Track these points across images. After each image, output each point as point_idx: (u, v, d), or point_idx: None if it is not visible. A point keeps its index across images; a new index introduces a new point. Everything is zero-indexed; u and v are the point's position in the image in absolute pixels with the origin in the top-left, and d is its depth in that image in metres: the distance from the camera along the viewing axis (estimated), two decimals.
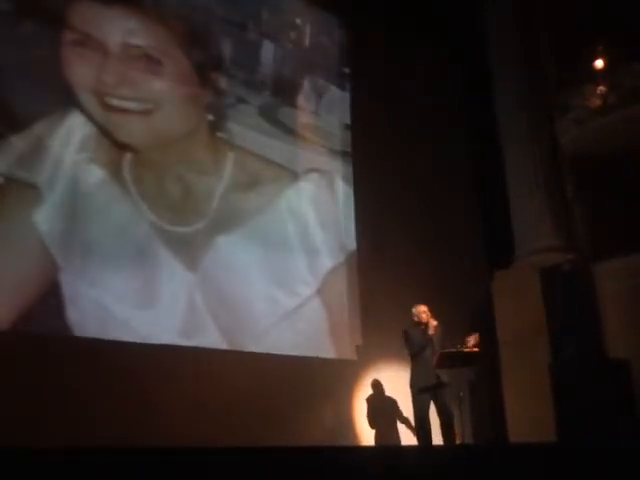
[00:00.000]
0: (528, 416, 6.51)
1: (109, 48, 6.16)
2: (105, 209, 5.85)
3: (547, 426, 5.94)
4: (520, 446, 5.34)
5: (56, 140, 5.73)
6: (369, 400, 6.47)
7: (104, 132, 6.00)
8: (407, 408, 6.21)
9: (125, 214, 5.95)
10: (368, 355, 6.72)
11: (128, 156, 6.10)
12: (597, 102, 7.24)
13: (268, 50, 7.20)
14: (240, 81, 6.96)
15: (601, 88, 7.22)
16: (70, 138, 5.81)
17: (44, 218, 5.49)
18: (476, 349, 5.39)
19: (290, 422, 5.76)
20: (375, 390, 6.51)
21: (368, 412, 6.41)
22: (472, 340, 5.35)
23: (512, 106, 7.95)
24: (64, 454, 2.48)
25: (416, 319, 5.52)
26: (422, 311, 5.54)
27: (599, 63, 7.39)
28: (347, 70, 7.90)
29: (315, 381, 6.15)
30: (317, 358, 6.40)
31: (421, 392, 5.39)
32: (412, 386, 5.46)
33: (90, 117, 5.95)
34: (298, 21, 7.55)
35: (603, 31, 7.31)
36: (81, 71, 5.97)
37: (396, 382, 6.62)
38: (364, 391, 6.62)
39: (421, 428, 5.38)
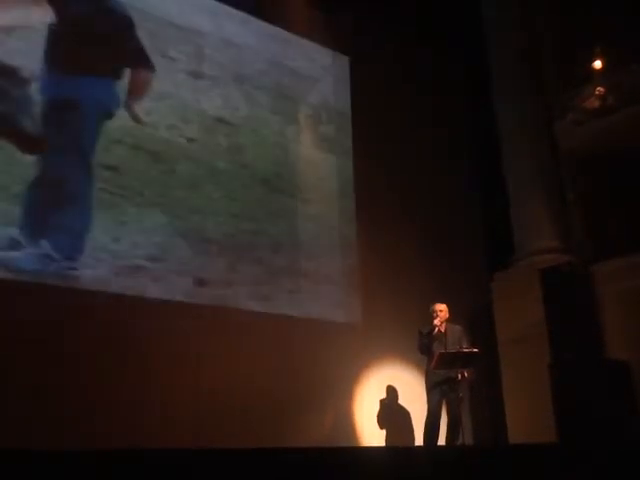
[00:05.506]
0: (528, 417, 6.54)
1: None
2: None
3: (546, 427, 5.96)
4: (520, 447, 5.37)
5: None
6: (382, 402, 6.56)
7: None
8: (416, 410, 6.24)
9: None
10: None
11: None
12: (596, 103, 7.25)
13: None
14: None
15: (600, 89, 7.23)
16: None
17: None
18: (475, 349, 5.42)
19: (286, 416, 5.77)
20: (389, 395, 6.59)
21: (379, 413, 6.51)
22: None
23: (512, 107, 7.97)
24: (63, 455, 2.49)
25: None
26: (432, 310, 5.68)
27: (598, 64, 7.41)
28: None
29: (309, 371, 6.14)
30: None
31: (432, 389, 5.52)
32: (425, 383, 5.62)
33: None
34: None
35: (602, 32, 7.33)
36: None
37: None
38: (360, 388, 6.65)
39: (429, 426, 5.48)
